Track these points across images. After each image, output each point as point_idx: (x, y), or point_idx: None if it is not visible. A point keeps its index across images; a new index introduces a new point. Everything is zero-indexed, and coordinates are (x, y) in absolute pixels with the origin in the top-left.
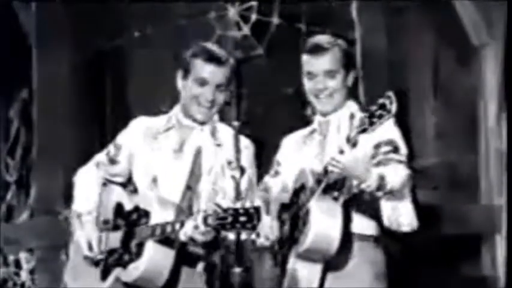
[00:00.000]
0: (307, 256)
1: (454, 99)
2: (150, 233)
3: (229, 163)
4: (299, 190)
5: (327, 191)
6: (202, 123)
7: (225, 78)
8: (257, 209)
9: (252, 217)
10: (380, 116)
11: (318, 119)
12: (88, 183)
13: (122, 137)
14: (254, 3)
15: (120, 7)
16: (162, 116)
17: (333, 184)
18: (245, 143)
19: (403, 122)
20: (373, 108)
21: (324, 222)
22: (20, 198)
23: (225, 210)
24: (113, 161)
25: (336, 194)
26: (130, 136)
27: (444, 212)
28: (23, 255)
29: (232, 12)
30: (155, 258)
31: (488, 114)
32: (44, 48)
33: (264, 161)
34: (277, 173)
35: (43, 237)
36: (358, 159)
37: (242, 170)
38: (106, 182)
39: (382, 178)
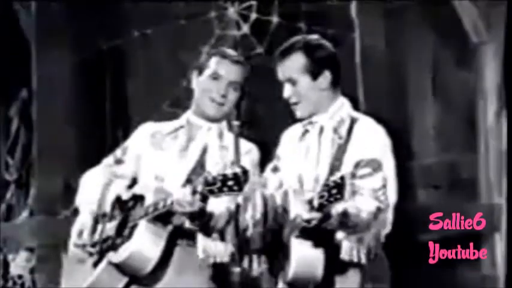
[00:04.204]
0: (295, 285)
1: (454, 99)
2: (143, 213)
3: (233, 163)
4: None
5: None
6: (212, 120)
7: (239, 77)
8: (245, 172)
9: (239, 179)
10: (336, 198)
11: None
12: (92, 180)
13: (130, 140)
14: (254, 3)
15: (120, 7)
16: (171, 121)
17: None
18: (248, 146)
19: (403, 122)
20: (331, 185)
21: (304, 248)
22: (19, 197)
23: (214, 177)
24: (118, 161)
25: None
26: (137, 138)
27: (444, 211)
28: (23, 255)
29: (232, 11)
30: (146, 238)
31: (488, 114)
32: (44, 48)
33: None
34: (276, 169)
35: (42, 237)
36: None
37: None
38: (109, 183)
39: (345, 215)
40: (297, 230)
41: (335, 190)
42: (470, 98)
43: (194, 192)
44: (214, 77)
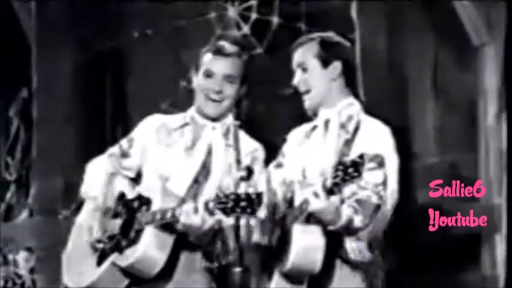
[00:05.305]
0: (292, 275)
1: (454, 99)
2: (150, 218)
3: (239, 162)
4: (290, 201)
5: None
6: (214, 119)
7: (234, 70)
8: (259, 195)
9: (252, 202)
10: (352, 176)
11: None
12: (97, 171)
13: (136, 132)
14: (254, 3)
15: (120, 7)
16: (178, 114)
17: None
18: (253, 146)
19: (403, 122)
20: (348, 164)
21: (305, 239)
22: (19, 197)
23: (227, 196)
24: (124, 154)
25: None
26: (144, 131)
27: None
28: (22, 255)
29: (232, 11)
30: (152, 244)
31: (488, 114)
32: (43, 48)
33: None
34: (280, 165)
35: (42, 237)
36: (330, 206)
37: (249, 171)
38: (115, 173)
39: (350, 221)
40: (302, 216)
41: (352, 169)
42: (471, 98)
43: (207, 208)
44: (208, 75)
